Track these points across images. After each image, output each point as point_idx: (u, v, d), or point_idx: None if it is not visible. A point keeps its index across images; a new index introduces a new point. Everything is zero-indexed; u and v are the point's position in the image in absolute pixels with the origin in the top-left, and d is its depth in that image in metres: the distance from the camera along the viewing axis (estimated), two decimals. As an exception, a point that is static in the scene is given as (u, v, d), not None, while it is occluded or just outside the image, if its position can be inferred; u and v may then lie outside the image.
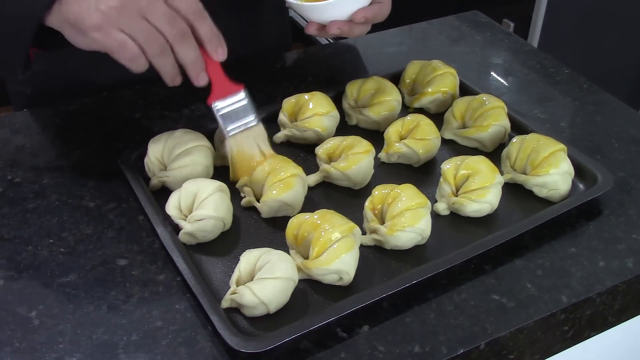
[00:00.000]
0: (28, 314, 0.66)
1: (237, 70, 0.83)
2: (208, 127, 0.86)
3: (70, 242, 0.74)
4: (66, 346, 0.63)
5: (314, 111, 0.86)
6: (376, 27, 0.90)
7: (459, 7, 1.27)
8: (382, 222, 0.74)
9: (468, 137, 0.88)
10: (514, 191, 0.81)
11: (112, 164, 0.84)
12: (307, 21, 0.86)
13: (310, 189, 0.81)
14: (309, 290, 0.69)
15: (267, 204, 0.76)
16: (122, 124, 0.92)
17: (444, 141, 0.89)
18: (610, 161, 0.87)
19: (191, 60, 0.72)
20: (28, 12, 0.70)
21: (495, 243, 0.73)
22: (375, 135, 0.88)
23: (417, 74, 0.96)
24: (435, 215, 0.78)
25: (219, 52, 0.74)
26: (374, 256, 0.73)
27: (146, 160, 0.81)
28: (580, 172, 0.82)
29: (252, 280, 0.66)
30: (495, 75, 1.07)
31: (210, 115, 0.92)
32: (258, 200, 0.78)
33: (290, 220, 0.72)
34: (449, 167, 0.79)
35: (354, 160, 0.80)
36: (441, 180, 0.79)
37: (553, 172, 0.78)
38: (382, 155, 0.86)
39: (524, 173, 0.81)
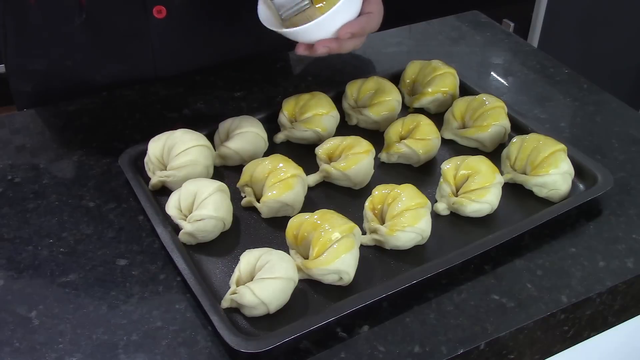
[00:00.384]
0: (28, 314, 0.66)
1: (237, 70, 0.84)
2: (208, 127, 0.86)
3: (70, 242, 0.74)
4: (66, 346, 0.63)
5: (314, 111, 0.86)
6: (376, 27, 0.90)
7: (459, 7, 1.26)
8: (382, 222, 0.74)
9: (468, 137, 0.88)
10: (514, 191, 0.81)
11: (112, 164, 0.84)
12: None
13: (310, 189, 0.81)
14: (309, 290, 0.69)
15: (267, 204, 0.76)
16: (122, 124, 0.92)
17: (444, 141, 0.89)
18: (610, 161, 0.87)
19: None
20: None
21: (495, 243, 0.73)
22: (375, 135, 0.88)
23: (417, 74, 0.96)
24: (435, 215, 0.77)
25: None
26: (374, 256, 0.73)
27: (146, 160, 0.81)
28: (580, 172, 0.82)
29: (252, 280, 0.66)
30: (495, 75, 1.06)
31: (210, 115, 0.92)
32: (258, 201, 0.78)
33: (290, 220, 0.72)
34: (449, 167, 0.79)
35: (354, 160, 0.80)
36: (441, 180, 0.79)
37: (553, 172, 0.78)
38: (382, 155, 0.86)
39: (524, 173, 0.81)
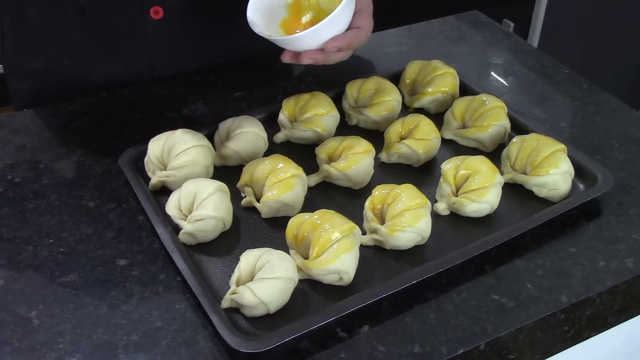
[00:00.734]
0: (28, 314, 0.66)
1: (237, 70, 0.84)
2: (208, 127, 0.86)
3: (70, 242, 0.74)
4: (66, 346, 0.63)
5: (314, 111, 0.86)
6: (376, 28, 0.90)
7: (459, 7, 1.26)
8: (382, 222, 0.74)
9: (468, 137, 0.88)
10: (514, 191, 0.81)
11: (112, 164, 0.84)
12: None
13: (310, 189, 0.81)
14: (309, 290, 0.69)
15: (267, 205, 0.76)
16: (122, 124, 0.92)
17: (444, 141, 0.89)
18: (610, 161, 0.87)
19: None
20: None
21: (495, 243, 0.73)
22: (375, 135, 0.88)
23: (417, 74, 0.96)
24: (435, 215, 0.77)
25: None
26: (374, 256, 0.73)
27: (146, 160, 0.81)
28: (580, 172, 0.82)
29: (252, 280, 0.66)
30: (495, 75, 1.06)
31: (210, 115, 0.92)
32: (258, 201, 0.78)
33: (290, 220, 0.72)
34: (449, 167, 0.79)
35: (354, 160, 0.80)
36: (441, 180, 0.79)
37: (553, 172, 0.78)
38: (382, 155, 0.86)
39: (524, 173, 0.81)
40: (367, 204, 0.75)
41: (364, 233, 0.75)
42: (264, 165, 0.78)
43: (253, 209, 0.78)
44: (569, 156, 0.81)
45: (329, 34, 0.78)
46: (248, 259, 0.68)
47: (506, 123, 0.87)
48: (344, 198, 0.81)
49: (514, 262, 0.73)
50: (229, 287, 0.67)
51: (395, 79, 0.97)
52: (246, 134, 0.83)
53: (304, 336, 0.64)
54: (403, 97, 0.95)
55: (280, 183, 0.76)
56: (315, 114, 0.86)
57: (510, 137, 0.86)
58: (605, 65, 2.23)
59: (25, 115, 0.95)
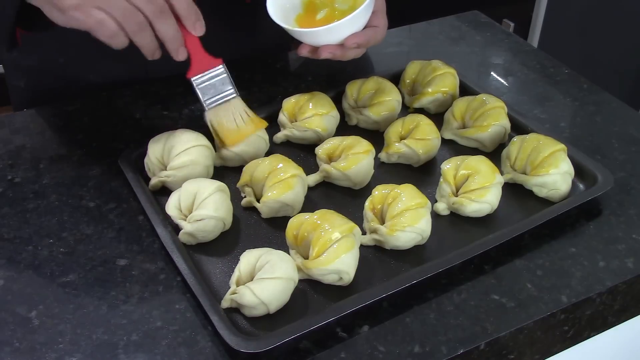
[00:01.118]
0: (28, 314, 0.66)
1: (237, 70, 0.84)
2: (208, 127, 0.86)
3: (70, 242, 0.74)
4: (66, 346, 0.63)
5: (314, 111, 0.86)
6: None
7: (459, 7, 1.26)
8: (382, 222, 0.74)
9: (468, 137, 0.88)
10: (514, 191, 0.81)
11: (112, 164, 0.84)
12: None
13: (310, 189, 0.81)
14: (309, 290, 0.69)
15: (267, 205, 0.76)
16: (122, 124, 0.92)
17: (444, 141, 0.89)
18: (610, 161, 0.87)
19: (170, 35, 0.73)
20: None
21: (495, 243, 0.73)
22: (375, 135, 0.88)
23: (417, 74, 0.96)
24: (435, 215, 0.78)
25: (197, 27, 0.75)
26: (374, 256, 0.73)
27: (146, 160, 0.81)
28: (580, 172, 0.82)
29: (252, 280, 0.66)
30: (495, 75, 1.06)
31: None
32: (258, 201, 0.78)
33: (290, 220, 0.72)
34: (449, 167, 0.79)
35: (354, 160, 0.80)
36: (441, 180, 0.79)
37: (553, 172, 0.78)
38: (382, 155, 0.86)
39: (524, 173, 0.81)
40: (367, 204, 0.75)
41: (364, 233, 0.75)
42: (264, 165, 0.78)
43: (253, 209, 0.78)
44: (569, 156, 0.81)
45: (349, 30, 0.81)
46: (248, 259, 0.68)
47: (506, 123, 0.87)
48: (344, 198, 0.81)
49: (514, 262, 0.73)
50: (229, 287, 0.67)
51: (395, 79, 0.97)
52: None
53: (304, 336, 0.64)
54: (403, 97, 0.95)
55: (280, 183, 0.76)
56: (315, 114, 0.86)
57: (510, 137, 0.86)
58: (605, 65, 2.23)
59: (25, 115, 0.95)
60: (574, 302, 0.69)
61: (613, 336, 0.81)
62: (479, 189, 0.76)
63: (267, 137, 0.85)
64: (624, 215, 0.79)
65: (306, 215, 0.72)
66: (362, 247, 0.73)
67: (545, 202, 0.80)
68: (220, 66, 0.81)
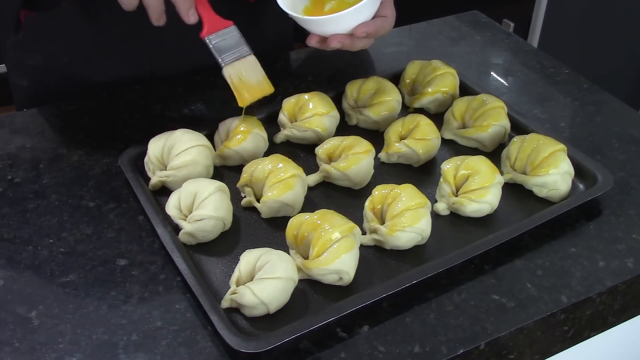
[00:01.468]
0: (28, 314, 0.66)
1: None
2: (208, 127, 0.86)
3: (70, 242, 0.74)
4: (66, 346, 0.63)
5: (314, 111, 0.86)
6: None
7: (459, 7, 1.26)
8: (382, 222, 0.74)
9: (468, 137, 0.88)
10: (514, 191, 0.81)
11: (112, 164, 0.84)
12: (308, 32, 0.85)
13: (310, 189, 0.81)
14: (309, 290, 0.69)
15: (267, 205, 0.76)
16: (122, 124, 0.92)
17: (444, 141, 0.89)
18: (610, 161, 0.87)
19: None
20: None
21: (495, 243, 0.73)
22: (375, 135, 0.88)
23: (417, 74, 0.96)
24: (435, 215, 0.77)
25: None
26: (374, 256, 0.73)
27: (146, 160, 0.81)
28: (580, 172, 0.82)
29: (252, 280, 0.66)
30: (495, 75, 1.06)
31: (210, 115, 0.92)
32: (258, 201, 0.78)
33: (290, 220, 0.72)
34: (449, 167, 0.79)
35: (354, 160, 0.80)
36: (441, 180, 0.79)
37: (553, 172, 0.78)
38: (382, 155, 0.86)
39: (524, 173, 0.81)
40: (367, 204, 0.75)
41: (364, 233, 0.75)
42: (264, 165, 0.78)
43: (253, 209, 0.78)
44: (569, 156, 0.81)
45: (358, 19, 0.81)
46: (248, 259, 0.68)
47: (506, 123, 0.87)
48: (344, 198, 0.81)
49: (514, 262, 0.73)
50: (229, 287, 0.67)
51: (395, 79, 0.97)
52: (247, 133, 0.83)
53: (304, 336, 0.64)
54: (403, 97, 0.95)
55: (280, 183, 0.76)
56: (315, 114, 0.86)
57: (510, 137, 0.86)
58: (605, 65, 2.23)
59: (25, 115, 0.95)
60: (574, 302, 0.69)
61: (613, 336, 0.81)
62: (479, 189, 0.76)
63: (265, 135, 0.85)
64: (624, 215, 0.79)
65: (306, 215, 0.71)
66: (362, 247, 0.73)
67: (545, 202, 0.80)
68: (233, 26, 0.82)
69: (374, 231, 0.73)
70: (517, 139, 0.83)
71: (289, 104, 0.89)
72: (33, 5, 0.77)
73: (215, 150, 0.84)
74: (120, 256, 0.73)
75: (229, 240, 0.75)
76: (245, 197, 0.79)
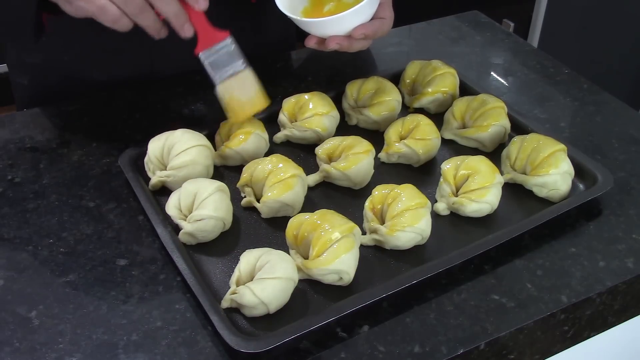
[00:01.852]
0: (28, 314, 0.66)
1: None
2: (208, 127, 0.86)
3: (70, 242, 0.74)
4: (66, 346, 0.63)
5: (314, 111, 0.86)
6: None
7: (459, 7, 1.27)
8: (382, 222, 0.74)
9: (468, 137, 0.88)
10: (514, 191, 0.81)
11: (112, 164, 0.84)
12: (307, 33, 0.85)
13: (310, 189, 0.81)
14: (309, 290, 0.69)
15: (267, 205, 0.76)
16: (122, 124, 0.92)
17: (444, 141, 0.89)
18: (610, 161, 0.87)
19: (172, 13, 0.74)
20: None
21: (495, 243, 0.73)
22: (375, 135, 0.88)
23: (417, 74, 0.96)
24: (435, 215, 0.77)
25: (200, 2, 0.75)
26: (374, 256, 0.73)
27: (146, 160, 0.81)
28: (580, 172, 0.82)
29: (252, 280, 0.66)
30: (495, 75, 1.06)
31: (210, 115, 0.92)
32: (258, 201, 0.78)
33: (290, 220, 0.72)
34: (449, 167, 0.79)
35: (354, 160, 0.80)
36: (441, 180, 0.79)
37: (553, 172, 0.78)
38: (382, 155, 0.86)
39: (524, 173, 0.81)
40: (367, 204, 0.75)
41: (364, 233, 0.75)
42: (264, 165, 0.78)
43: (253, 209, 0.78)
44: (569, 156, 0.81)
45: (356, 21, 0.81)
46: (248, 259, 0.68)
47: (506, 123, 0.87)
48: (344, 198, 0.81)
49: (514, 262, 0.73)
50: (229, 287, 0.67)
51: (395, 79, 0.97)
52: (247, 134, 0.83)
53: (304, 336, 0.64)
54: (403, 97, 0.95)
55: (280, 183, 0.76)
56: (315, 114, 0.86)
57: (510, 137, 0.86)
58: (605, 65, 2.23)
59: (25, 115, 0.95)
60: (574, 302, 0.69)
61: (613, 336, 0.81)
62: (479, 189, 0.76)
63: (267, 136, 0.85)
64: (624, 215, 0.79)
65: (306, 215, 0.72)
66: (362, 247, 0.73)
67: (545, 202, 0.80)
68: (228, 39, 0.81)
69: (374, 231, 0.73)
70: (517, 139, 0.83)
71: (289, 104, 0.89)
72: (54, 8, 0.78)
73: (215, 150, 0.84)
74: (120, 256, 0.73)
75: (229, 240, 0.75)
76: (245, 197, 0.79)
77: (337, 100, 0.92)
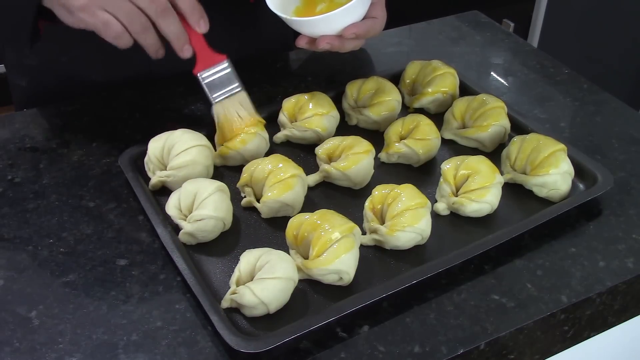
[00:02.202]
0: (28, 314, 0.66)
1: (237, 70, 0.84)
2: (208, 127, 0.86)
3: (70, 242, 0.74)
4: (66, 346, 0.63)
5: (314, 111, 0.86)
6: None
7: (459, 7, 1.27)
8: (382, 222, 0.74)
9: (468, 137, 0.88)
10: (514, 191, 0.81)
11: (112, 164, 0.84)
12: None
13: (310, 189, 0.81)
14: (309, 290, 0.69)
15: (267, 205, 0.76)
16: (122, 124, 0.92)
17: (444, 141, 0.89)
18: (610, 161, 0.87)
19: (174, 34, 0.75)
20: None
21: (495, 243, 0.73)
22: (375, 135, 0.88)
23: (417, 74, 0.96)
24: (435, 215, 0.78)
25: (201, 24, 0.77)
26: (374, 256, 0.73)
27: (146, 160, 0.81)
28: (580, 172, 0.82)
29: (252, 280, 0.66)
30: (495, 75, 1.07)
31: (210, 115, 0.92)
32: (258, 201, 0.78)
33: (290, 220, 0.72)
34: (449, 167, 0.79)
35: (354, 160, 0.80)
36: (441, 180, 0.79)
37: (553, 172, 0.78)
38: (382, 155, 0.86)
39: (524, 173, 0.81)
40: (367, 204, 0.75)
41: (364, 233, 0.75)
42: (264, 165, 0.78)
43: (253, 209, 0.78)
44: (569, 156, 0.81)
45: (347, 20, 0.80)
46: (248, 259, 0.68)
47: (506, 123, 0.87)
48: (344, 198, 0.81)
49: (514, 262, 0.73)
50: (229, 287, 0.67)
51: (395, 79, 0.97)
52: (248, 134, 0.83)
53: (304, 336, 0.64)
54: (403, 97, 0.95)
55: (280, 183, 0.76)
56: (315, 114, 0.86)
57: (510, 137, 0.86)
58: (605, 65, 2.23)
59: (25, 115, 0.95)
60: (574, 302, 0.69)
61: (613, 336, 0.81)
62: (479, 189, 0.76)
63: (267, 136, 0.85)
64: (624, 215, 0.79)
65: (306, 215, 0.72)
66: (362, 247, 0.73)
67: (545, 202, 0.80)
68: (225, 61, 0.83)
69: (374, 231, 0.73)
70: (517, 139, 0.83)
71: (289, 104, 0.89)
72: (52, 18, 0.78)
73: (215, 150, 0.84)
74: (120, 256, 0.73)
75: (229, 240, 0.75)
76: (245, 197, 0.79)
77: (337, 100, 0.92)
